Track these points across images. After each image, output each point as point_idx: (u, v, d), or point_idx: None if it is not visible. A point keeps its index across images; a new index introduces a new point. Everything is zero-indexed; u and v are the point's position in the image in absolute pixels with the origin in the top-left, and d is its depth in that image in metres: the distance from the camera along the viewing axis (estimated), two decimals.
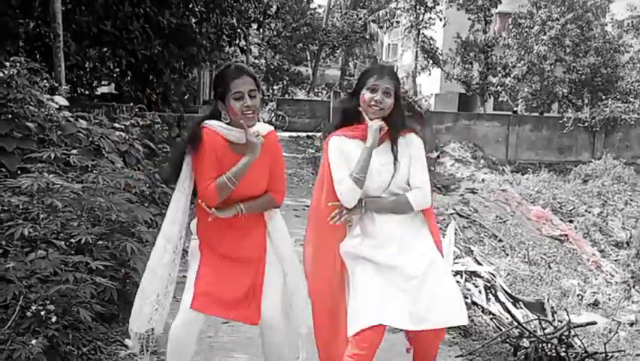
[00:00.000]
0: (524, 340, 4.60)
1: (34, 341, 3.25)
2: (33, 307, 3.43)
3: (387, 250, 3.21)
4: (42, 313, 3.42)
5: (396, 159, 3.25)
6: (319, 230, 3.45)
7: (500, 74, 27.00)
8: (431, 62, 29.22)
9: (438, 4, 28.31)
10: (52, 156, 4.76)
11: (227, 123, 3.25)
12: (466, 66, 27.86)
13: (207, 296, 3.19)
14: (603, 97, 25.00)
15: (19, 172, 4.95)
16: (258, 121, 3.38)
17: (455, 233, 9.16)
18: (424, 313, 3.12)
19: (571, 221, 14.89)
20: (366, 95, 3.20)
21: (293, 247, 3.65)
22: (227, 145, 3.24)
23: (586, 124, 24.24)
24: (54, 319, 3.45)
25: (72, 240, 4.03)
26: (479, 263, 8.57)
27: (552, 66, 25.58)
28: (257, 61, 34.90)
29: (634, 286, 11.31)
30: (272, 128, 3.49)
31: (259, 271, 3.38)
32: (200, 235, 3.35)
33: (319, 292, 3.38)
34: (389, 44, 42.63)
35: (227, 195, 3.20)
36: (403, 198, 3.24)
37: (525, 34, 25.93)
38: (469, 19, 27.59)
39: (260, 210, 3.42)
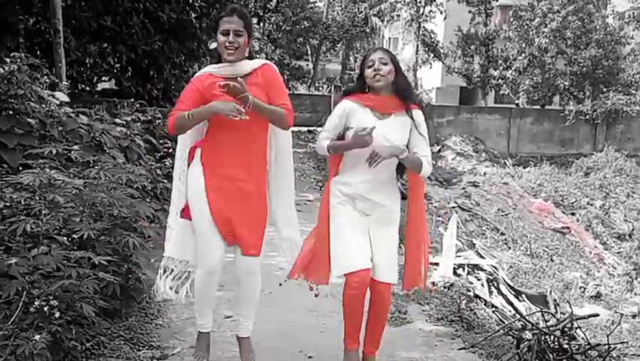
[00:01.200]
0: (527, 332, 4.60)
1: (37, 337, 3.25)
2: (36, 303, 3.43)
3: (365, 203, 3.72)
4: (45, 308, 3.42)
5: (410, 132, 3.68)
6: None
7: (501, 67, 26.91)
8: (432, 55, 29.13)
9: None
10: (54, 151, 4.76)
11: (217, 62, 3.65)
12: (467, 59, 27.77)
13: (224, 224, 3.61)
14: (604, 89, 24.91)
15: (20, 168, 4.96)
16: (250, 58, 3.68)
17: (457, 226, 9.17)
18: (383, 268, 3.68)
19: (573, 214, 14.90)
20: (366, 72, 3.63)
21: (293, 190, 4.04)
22: (222, 80, 3.46)
23: (587, 116, 24.18)
24: (57, 314, 3.45)
25: (74, 235, 4.03)
26: (481, 256, 8.58)
27: (553, 59, 25.50)
28: (257, 55, 34.83)
29: (636, 278, 11.31)
30: (267, 62, 3.77)
31: (262, 208, 3.76)
32: (203, 160, 3.65)
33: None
34: (390, 38, 42.56)
35: (183, 129, 3.60)
36: (419, 161, 3.63)
37: (526, 26, 25.83)
38: (469, 12, 27.49)
39: (267, 115, 3.62)
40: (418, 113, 3.69)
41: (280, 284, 4.11)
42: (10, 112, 5.41)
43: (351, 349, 3.79)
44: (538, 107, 26.34)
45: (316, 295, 4.02)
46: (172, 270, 3.83)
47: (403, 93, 3.66)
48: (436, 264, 7.47)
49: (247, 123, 3.46)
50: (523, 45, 25.85)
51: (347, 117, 3.68)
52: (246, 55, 3.65)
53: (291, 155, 3.98)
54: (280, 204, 3.92)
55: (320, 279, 3.93)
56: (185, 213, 3.77)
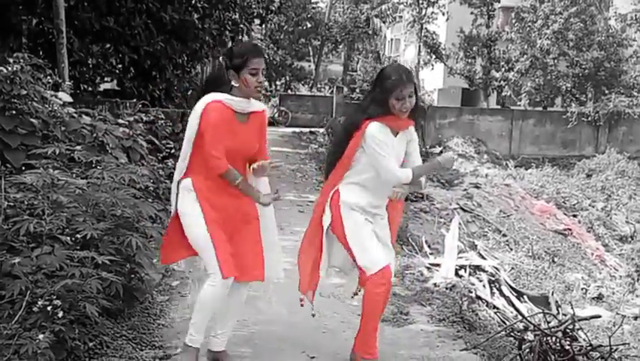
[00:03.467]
0: (529, 333, 4.61)
1: (41, 336, 3.26)
2: (39, 303, 3.43)
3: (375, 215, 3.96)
4: (48, 308, 3.43)
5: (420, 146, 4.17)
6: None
7: (503, 69, 26.93)
8: (434, 56, 29.15)
9: None
10: (57, 151, 4.77)
11: (230, 93, 3.70)
12: (469, 61, 27.79)
13: (230, 262, 3.68)
14: (607, 91, 24.93)
15: (23, 168, 4.96)
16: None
17: (459, 228, 9.18)
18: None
19: (575, 215, 14.90)
20: (396, 105, 3.76)
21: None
22: (233, 115, 3.69)
23: (589, 118, 24.19)
24: (60, 314, 3.45)
25: (77, 235, 4.03)
26: (483, 257, 8.59)
27: (555, 60, 25.50)
28: None
29: (638, 280, 11.32)
30: (264, 106, 3.97)
31: (257, 229, 3.90)
32: (196, 189, 3.74)
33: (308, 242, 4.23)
34: (392, 39, 42.56)
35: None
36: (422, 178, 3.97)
37: (528, 28, 25.85)
38: (471, 13, 27.49)
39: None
40: (412, 130, 4.01)
41: (313, 315, 4.19)
42: (14, 112, 5.42)
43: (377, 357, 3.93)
44: (540, 108, 26.34)
45: (302, 306, 4.09)
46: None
47: (414, 116, 3.92)
48: (438, 265, 7.48)
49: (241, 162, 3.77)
50: (525, 47, 25.87)
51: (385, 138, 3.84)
52: None
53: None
54: (266, 229, 4.02)
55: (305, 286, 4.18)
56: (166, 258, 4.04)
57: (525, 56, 25.85)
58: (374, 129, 3.77)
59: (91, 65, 11.66)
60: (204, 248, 3.67)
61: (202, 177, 3.73)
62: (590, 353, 4.50)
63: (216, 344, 3.93)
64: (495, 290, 7.39)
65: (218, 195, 3.73)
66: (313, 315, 4.19)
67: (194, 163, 3.75)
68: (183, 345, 3.84)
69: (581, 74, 25.25)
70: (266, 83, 34.49)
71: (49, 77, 6.40)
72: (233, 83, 3.68)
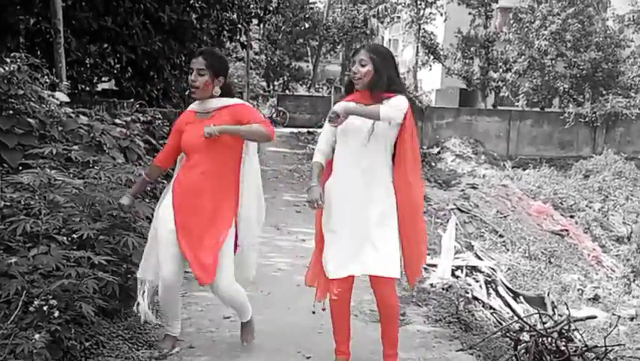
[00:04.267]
0: (525, 334, 4.62)
1: (37, 336, 3.26)
2: (36, 302, 3.44)
3: (353, 201, 3.74)
4: (44, 308, 3.43)
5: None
6: None
7: (501, 70, 26.95)
8: (432, 57, 29.15)
9: None
10: (54, 151, 4.77)
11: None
12: (467, 61, 27.80)
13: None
14: (604, 92, 24.94)
15: (20, 168, 4.96)
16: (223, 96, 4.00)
17: (456, 228, 9.19)
18: (372, 261, 3.69)
19: (572, 216, 14.92)
20: (350, 73, 3.82)
21: (260, 216, 4.22)
22: (194, 115, 4.03)
23: (587, 119, 24.21)
24: (56, 314, 3.46)
25: (74, 235, 4.04)
26: (480, 258, 8.60)
27: (553, 61, 25.53)
28: (257, 57, 34.88)
29: (634, 281, 11.34)
30: (241, 102, 4.09)
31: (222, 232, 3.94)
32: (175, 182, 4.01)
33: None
34: (390, 39, 42.58)
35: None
36: (375, 108, 3.64)
37: (526, 29, 25.87)
38: (469, 14, 27.51)
39: (243, 134, 3.91)
40: (392, 98, 3.69)
41: (323, 309, 4.05)
42: (11, 112, 5.42)
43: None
44: (538, 109, 26.36)
45: (323, 309, 4.05)
46: (143, 291, 4.15)
47: (374, 91, 3.72)
48: (435, 265, 7.49)
49: (216, 150, 3.89)
50: (523, 47, 25.89)
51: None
52: (214, 92, 3.97)
53: (259, 187, 4.23)
54: (248, 232, 4.14)
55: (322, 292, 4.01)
56: None
57: (523, 57, 25.86)
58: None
59: (88, 65, 11.66)
60: (163, 249, 3.96)
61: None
62: (586, 353, 4.51)
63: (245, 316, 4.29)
64: (491, 291, 7.40)
65: (192, 181, 3.95)
66: (314, 312, 4.23)
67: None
68: (166, 335, 4.19)
69: (578, 75, 25.28)
70: (264, 84, 34.52)
71: (46, 77, 6.40)
72: None
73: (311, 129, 23.68)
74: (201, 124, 3.89)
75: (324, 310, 3.98)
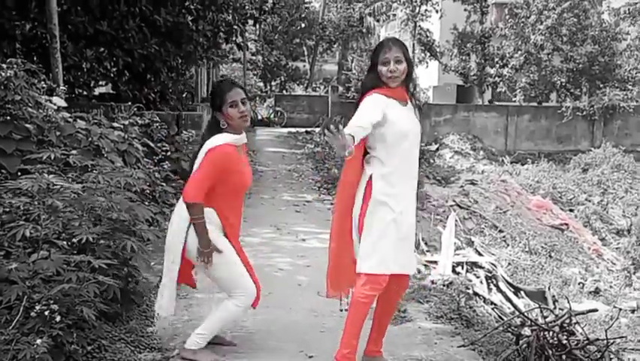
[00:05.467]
0: (526, 328, 4.62)
1: (38, 341, 3.27)
2: (37, 308, 3.44)
3: (402, 205, 3.71)
4: (46, 313, 3.43)
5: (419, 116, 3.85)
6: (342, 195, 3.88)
7: (498, 65, 26.96)
8: (428, 54, 29.19)
9: None
10: (52, 156, 4.76)
11: (224, 130, 3.92)
12: (464, 58, 27.82)
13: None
14: (601, 85, 24.97)
15: (19, 173, 4.96)
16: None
17: (455, 224, 9.19)
18: (407, 261, 3.84)
19: (571, 210, 14.93)
20: (382, 69, 3.67)
21: None
22: (236, 149, 3.95)
23: (584, 113, 24.23)
24: (58, 318, 3.46)
25: (74, 239, 4.04)
26: (480, 254, 8.61)
27: (549, 56, 25.54)
28: (254, 57, 34.86)
29: (635, 273, 11.35)
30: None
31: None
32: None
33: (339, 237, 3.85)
34: (386, 37, 42.52)
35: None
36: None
37: (522, 24, 25.88)
38: (465, 10, 27.53)
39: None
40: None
41: (341, 310, 4.07)
42: (8, 118, 5.42)
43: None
44: (535, 104, 26.37)
45: (341, 310, 4.05)
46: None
47: (409, 89, 3.81)
48: (435, 262, 7.50)
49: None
50: (519, 42, 25.91)
51: (385, 109, 3.65)
52: None
53: None
54: None
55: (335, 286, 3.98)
56: (182, 279, 4.13)
57: (519, 52, 25.89)
58: (374, 96, 3.68)
59: (85, 69, 11.64)
60: (242, 273, 4.02)
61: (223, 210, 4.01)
62: (587, 346, 4.51)
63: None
64: (492, 286, 7.41)
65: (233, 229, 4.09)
66: (341, 310, 4.08)
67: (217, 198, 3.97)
68: (188, 351, 4.03)
69: (575, 69, 25.29)
70: (261, 84, 34.50)
71: (43, 82, 6.39)
72: (221, 122, 3.93)
73: (309, 129, 23.68)
74: (244, 160, 4.07)
75: (346, 310, 3.93)
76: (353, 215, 3.78)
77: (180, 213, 3.96)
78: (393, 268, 3.70)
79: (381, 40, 3.81)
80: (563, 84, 25.65)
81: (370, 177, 3.71)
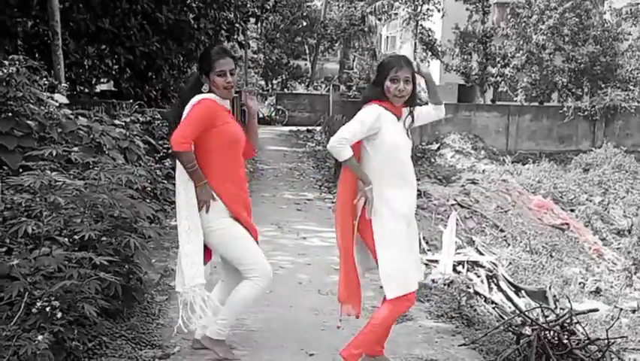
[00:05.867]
0: (527, 328, 4.63)
1: (40, 337, 3.27)
2: (38, 304, 3.45)
3: (409, 216, 3.81)
4: (47, 309, 3.44)
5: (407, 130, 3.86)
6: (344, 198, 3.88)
7: (499, 65, 26.92)
8: (430, 53, 29.14)
9: None
10: (54, 153, 4.77)
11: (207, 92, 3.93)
12: (465, 57, 27.76)
13: None
14: (603, 85, 24.92)
15: (20, 170, 4.97)
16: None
17: (456, 223, 9.19)
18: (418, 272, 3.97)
19: (572, 210, 14.91)
20: (390, 86, 3.69)
21: None
22: (225, 110, 3.97)
23: (586, 113, 24.19)
24: (59, 315, 3.46)
25: (75, 236, 4.05)
26: (481, 253, 8.60)
27: (551, 55, 25.50)
28: (255, 56, 34.85)
29: (635, 274, 11.33)
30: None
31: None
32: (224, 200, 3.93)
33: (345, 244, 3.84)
34: (387, 36, 42.54)
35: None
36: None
37: (523, 23, 25.83)
38: (467, 9, 27.47)
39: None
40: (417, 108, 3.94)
41: (338, 327, 4.01)
42: (10, 114, 5.43)
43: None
44: (537, 104, 26.35)
45: (338, 327, 4.03)
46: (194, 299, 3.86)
47: (412, 105, 3.85)
48: (436, 261, 7.50)
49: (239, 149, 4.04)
50: (521, 42, 25.86)
51: (380, 121, 3.70)
52: None
53: None
54: None
55: (349, 308, 3.93)
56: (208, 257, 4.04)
57: (521, 52, 25.84)
58: (373, 107, 3.73)
59: (87, 67, 11.67)
60: (253, 247, 3.94)
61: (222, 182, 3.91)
62: (588, 346, 4.52)
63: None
64: (493, 285, 7.41)
65: (237, 201, 3.96)
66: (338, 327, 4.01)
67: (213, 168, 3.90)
68: (209, 340, 3.98)
69: (576, 69, 25.25)
70: (262, 82, 34.50)
71: (45, 79, 6.41)
72: (204, 86, 3.94)
73: (310, 127, 23.68)
74: (231, 118, 4.02)
75: (339, 327, 3.94)
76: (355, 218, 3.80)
77: (180, 177, 3.90)
78: (414, 285, 3.79)
79: (390, 56, 3.79)
80: (565, 84, 25.61)
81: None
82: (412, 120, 3.87)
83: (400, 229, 3.71)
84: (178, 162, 3.91)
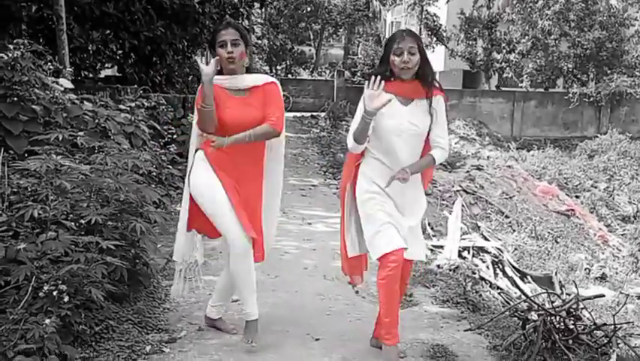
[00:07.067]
0: (533, 313, 4.61)
1: (47, 321, 3.28)
2: (45, 288, 3.45)
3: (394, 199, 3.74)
4: (54, 293, 3.45)
5: (431, 118, 3.73)
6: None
7: (504, 50, 26.80)
8: (435, 39, 29.03)
9: None
10: (60, 138, 4.77)
11: (219, 72, 3.80)
12: (470, 43, 27.65)
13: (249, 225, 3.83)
14: (608, 71, 24.81)
15: (26, 155, 4.96)
16: (250, 72, 3.97)
17: (462, 210, 9.18)
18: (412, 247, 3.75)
19: (577, 196, 14.89)
20: (395, 59, 3.58)
21: (279, 196, 4.26)
22: (226, 91, 3.83)
23: (591, 99, 24.09)
24: (66, 299, 3.47)
25: (82, 220, 4.05)
26: (486, 239, 8.60)
27: (557, 41, 25.36)
28: (259, 41, 34.71)
29: None
30: (272, 79, 4.00)
31: (260, 192, 4.04)
32: (210, 159, 3.87)
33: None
34: (392, 22, 42.33)
35: (208, 118, 3.74)
36: (429, 158, 3.75)
37: (529, 9, 25.68)
38: None
39: (259, 138, 3.88)
40: (438, 100, 3.78)
41: (357, 292, 4.02)
42: (15, 99, 5.42)
43: (392, 343, 3.74)
44: (542, 90, 26.24)
45: (356, 292, 4.04)
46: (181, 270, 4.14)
47: (426, 81, 3.70)
48: (441, 247, 7.49)
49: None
50: (527, 28, 25.73)
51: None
52: (245, 66, 3.89)
53: (281, 172, 4.22)
54: (268, 218, 4.15)
55: (356, 278, 4.01)
56: (190, 226, 4.03)
57: (526, 37, 25.71)
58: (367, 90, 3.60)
59: (91, 52, 11.64)
60: (223, 213, 3.78)
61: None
62: (594, 331, 4.50)
63: (212, 312, 4.23)
64: (498, 271, 7.40)
65: (227, 163, 3.85)
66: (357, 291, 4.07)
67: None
68: (246, 323, 3.96)
69: (582, 55, 25.11)
70: (266, 68, 34.40)
71: (49, 64, 6.39)
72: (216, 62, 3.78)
73: (314, 113, 23.61)
74: (242, 102, 3.85)
75: (357, 292, 3.96)
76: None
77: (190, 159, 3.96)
78: (398, 243, 3.61)
79: (392, 29, 3.71)
80: (570, 70, 25.49)
81: (361, 162, 3.77)
82: (430, 105, 3.71)
83: (374, 193, 3.69)
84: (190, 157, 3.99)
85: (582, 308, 4.70)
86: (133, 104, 8.01)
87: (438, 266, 6.44)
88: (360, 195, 3.75)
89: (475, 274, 6.61)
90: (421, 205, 3.91)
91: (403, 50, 3.55)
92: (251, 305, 3.93)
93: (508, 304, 5.39)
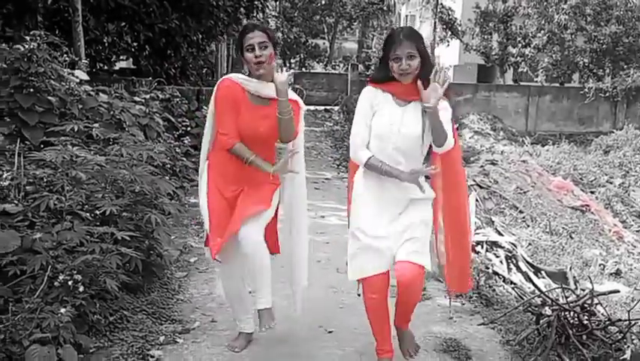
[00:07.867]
0: (546, 308, 4.59)
1: (62, 310, 3.30)
2: (60, 277, 3.48)
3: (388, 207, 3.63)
4: (69, 283, 3.47)
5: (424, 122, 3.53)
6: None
7: (520, 45, 26.64)
8: (450, 33, 28.88)
9: None
10: (75, 129, 4.81)
11: (248, 75, 3.71)
12: (485, 37, 27.50)
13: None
14: (625, 66, 24.60)
15: (42, 145, 5.00)
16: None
17: (476, 204, 9.14)
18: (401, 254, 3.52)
19: (592, 192, 14.78)
20: (393, 66, 3.40)
21: (306, 212, 4.44)
22: (246, 96, 3.68)
23: (607, 94, 23.91)
24: (81, 288, 3.50)
25: (97, 211, 4.08)
26: (500, 234, 8.55)
27: (573, 36, 25.18)
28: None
29: None
30: (296, 97, 3.88)
31: (269, 194, 4.07)
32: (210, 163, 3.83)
33: None
34: (407, 15, 42.21)
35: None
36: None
37: (545, 3, 25.50)
38: None
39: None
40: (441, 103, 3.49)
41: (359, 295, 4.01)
42: (31, 90, 5.45)
43: (386, 357, 3.71)
44: (557, 84, 26.07)
45: (358, 295, 4.02)
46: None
47: (425, 80, 3.43)
48: None
49: (270, 146, 3.98)
50: (543, 22, 25.55)
51: (371, 103, 3.54)
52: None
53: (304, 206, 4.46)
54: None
55: None
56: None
57: (542, 32, 25.54)
58: (363, 92, 3.56)
59: (106, 44, 11.69)
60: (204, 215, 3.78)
61: (217, 152, 3.83)
62: (609, 327, 4.48)
63: (260, 302, 3.93)
64: (512, 266, 7.36)
65: (229, 167, 3.79)
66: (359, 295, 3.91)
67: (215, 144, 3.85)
68: (259, 312, 3.91)
69: (598, 49, 24.92)
70: (280, 61, 34.38)
71: (65, 56, 6.41)
72: (243, 69, 3.74)
73: (328, 107, 23.61)
74: (260, 112, 3.71)
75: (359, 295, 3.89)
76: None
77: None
78: (377, 269, 3.53)
79: (391, 29, 3.61)
80: (586, 65, 25.30)
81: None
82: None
83: (364, 197, 3.65)
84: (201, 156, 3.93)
85: (596, 304, 4.68)
86: (147, 97, 8.04)
87: None
88: (352, 200, 3.78)
89: (488, 268, 6.58)
90: (424, 199, 3.68)
91: (400, 57, 3.37)
92: (265, 294, 3.89)
93: (522, 299, 5.37)
